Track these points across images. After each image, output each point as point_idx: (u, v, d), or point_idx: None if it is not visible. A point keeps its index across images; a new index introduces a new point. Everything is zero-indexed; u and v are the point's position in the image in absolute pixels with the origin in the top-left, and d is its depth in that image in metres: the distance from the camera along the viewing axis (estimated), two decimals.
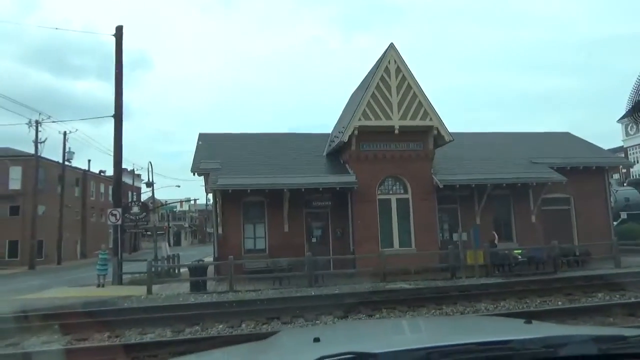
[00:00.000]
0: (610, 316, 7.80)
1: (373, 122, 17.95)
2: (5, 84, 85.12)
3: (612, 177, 25.85)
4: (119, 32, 18.43)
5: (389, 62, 18.44)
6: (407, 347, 1.59)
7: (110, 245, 21.60)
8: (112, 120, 18.27)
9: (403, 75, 18.37)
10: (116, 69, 18.48)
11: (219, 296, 12.37)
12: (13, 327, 8.04)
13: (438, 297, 9.77)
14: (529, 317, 2.33)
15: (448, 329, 2.38)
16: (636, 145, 38.99)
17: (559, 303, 9.63)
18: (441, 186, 18.23)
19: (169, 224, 49.19)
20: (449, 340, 1.72)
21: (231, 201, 18.16)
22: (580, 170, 20.24)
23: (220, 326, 8.03)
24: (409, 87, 18.27)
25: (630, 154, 38.59)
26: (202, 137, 21.42)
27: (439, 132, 18.31)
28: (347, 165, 18.90)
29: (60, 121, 50.82)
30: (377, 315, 8.44)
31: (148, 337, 7.51)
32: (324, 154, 20.66)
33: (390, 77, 18.36)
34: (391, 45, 18.55)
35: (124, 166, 21.64)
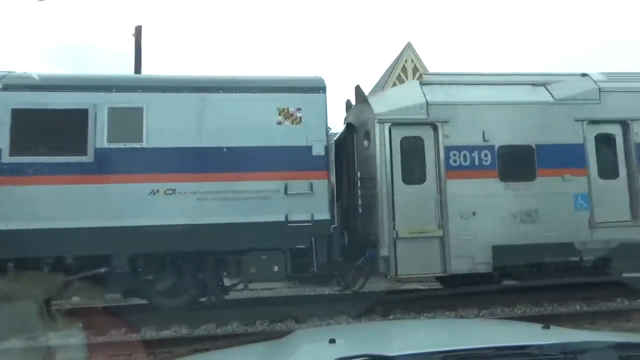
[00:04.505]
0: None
1: None
2: None
3: None
4: (138, 32, 18.76)
5: (405, 61, 18.32)
6: (423, 350, 1.59)
7: None
8: None
9: (420, 74, 18.24)
10: (135, 68, 18.82)
11: None
12: None
13: None
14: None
15: (465, 332, 2.35)
16: None
17: None
18: None
19: None
20: (466, 344, 1.71)
21: None
22: None
23: (235, 323, 8.07)
24: None
25: None
26: None
27: None
28: None
29: None
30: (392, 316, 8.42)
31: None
32: None
33: (407, 77, 18.25)
34: (408, 45, 18.46)
35: None
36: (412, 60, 18.21)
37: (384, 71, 20.96)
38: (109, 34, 46.93)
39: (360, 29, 58.45)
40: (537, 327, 2.07)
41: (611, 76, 8.99)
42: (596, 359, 1.50)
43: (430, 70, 18.19)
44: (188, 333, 7.55)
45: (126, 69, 15.56)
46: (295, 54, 56.48)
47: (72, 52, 47.93)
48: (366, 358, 1.46)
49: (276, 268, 7.54)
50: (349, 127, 8.83)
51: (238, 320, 7.91)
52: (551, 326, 2.03)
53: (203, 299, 7.91)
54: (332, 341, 1.83)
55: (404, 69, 18.22)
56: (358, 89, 8.75)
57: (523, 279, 8.60)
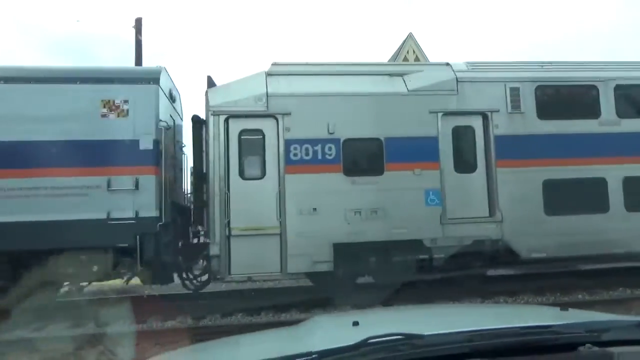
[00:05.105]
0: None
1: None
2: None
3: None
4: (138, 24, 18.36)
5: (407, 52, 17.80)
6: (451, 329, 1.57)
7: None
8: None
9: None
10: (136, 60, 18.40)
11: None
12: None
13: None
14: None
15: (488, 315, 2.37)
16: None
17: None
18: None
19: None
20: (492, 324, 1.70)
21: None
22: None
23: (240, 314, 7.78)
24: None
25: None
26: None
27: None
28: None
29: None
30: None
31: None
32: None
33: None
34: (410, 35, 17.96)
35: None
36: (414, 51, 17.81)
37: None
38: (110, 25, 46.32)
39: (362, 20, 57.70)
40: (556, 310, 2.07)
41: (473, 66, 8.61)
42: (620, 336, 1.49)
43: (432, 60, 17.71)
44: (193, 323, 7.37)
45: (129, 60, 15.27)
46: (296, 45, 56.01)
47: (73, 44, 47.24)
48: (398, 337, 1.43)
49: (95, 267, 7.21)
50: (196, 120, 8.45)
51: (243, 311, 7.74)
52: (570, 309, 2.05)
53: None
54: (355, 324, 1.84)
55: (405, 60, 17.77)
56: (208, 80, 8.37)
57: (376, 278, 8.25)
